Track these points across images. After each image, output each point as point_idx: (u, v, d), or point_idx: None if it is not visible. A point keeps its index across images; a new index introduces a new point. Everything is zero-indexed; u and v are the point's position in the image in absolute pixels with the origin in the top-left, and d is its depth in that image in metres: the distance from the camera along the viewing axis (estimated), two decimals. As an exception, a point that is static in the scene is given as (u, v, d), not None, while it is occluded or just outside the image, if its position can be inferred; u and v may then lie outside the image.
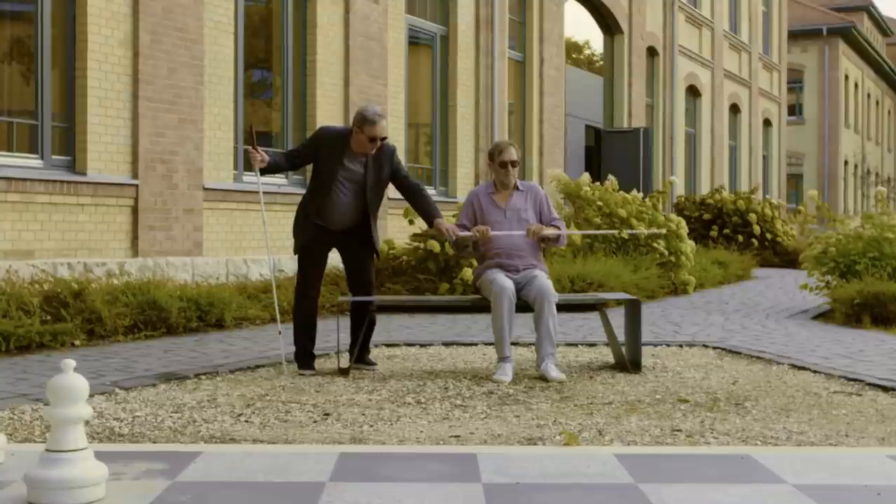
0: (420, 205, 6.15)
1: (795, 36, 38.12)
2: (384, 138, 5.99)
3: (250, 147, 6.11)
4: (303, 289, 6.18)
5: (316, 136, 6.25)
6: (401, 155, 12.78)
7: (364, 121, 5.91)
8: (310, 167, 6.33)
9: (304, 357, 6.06)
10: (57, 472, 2.90)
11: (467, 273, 9.19)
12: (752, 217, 18.83)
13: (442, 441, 4.12)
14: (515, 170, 6.24)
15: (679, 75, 22.68)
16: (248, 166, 10.53)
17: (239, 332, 7.84)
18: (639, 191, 13.68)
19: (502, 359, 5.83)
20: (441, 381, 5.69)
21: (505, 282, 5.88)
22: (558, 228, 6.22)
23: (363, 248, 6.13)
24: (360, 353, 6.18)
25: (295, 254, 6.22)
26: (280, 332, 6.16)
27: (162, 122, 9.03)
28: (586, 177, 13.02)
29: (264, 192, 10.28)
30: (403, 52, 12.97)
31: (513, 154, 6.22)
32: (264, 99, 11.38)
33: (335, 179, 5.97)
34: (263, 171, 6.20)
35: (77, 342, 6.88)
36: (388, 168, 6.07)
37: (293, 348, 6.13)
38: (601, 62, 20.50)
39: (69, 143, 8.44)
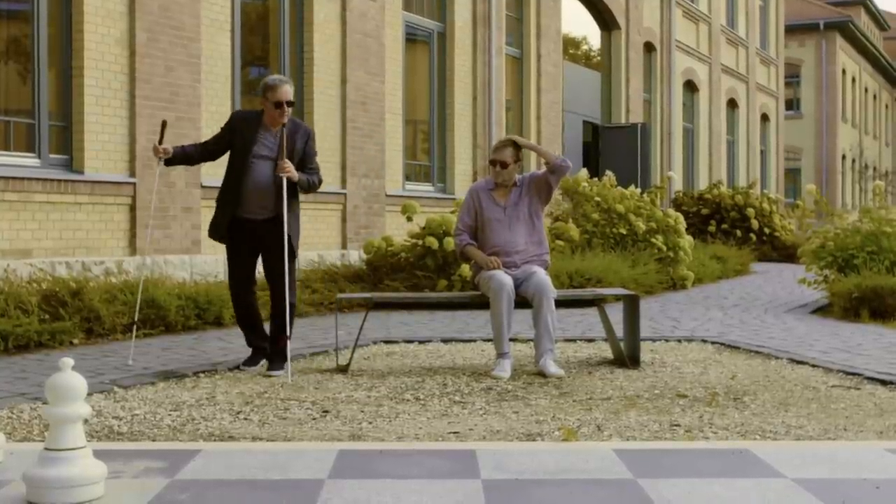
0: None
1: (792, 30, 38.11)
2: (290, 103, 5.87)
3: (156, 142, 6.03)
4: (230, 287, 6.10)
5: (230, 120, 6.13)
6: (398, 152, 12.80)
7: (266, 88, 5.87)
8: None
9: (252, 352, 6.04)
10: (56, 470, 2.89)
11: (465, 269, 9.18)
12: (750, 212, 18.85)
13: (441, 437, 4.12)
14: (505, 171, 6.16)
15: (676, 70, 22.67)
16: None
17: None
18: (637, 186, 13.69)
19: (501, 355, 5.84)
20: (440, 378, 5.69)
21: (504, 278, 5.88)
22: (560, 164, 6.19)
23: (275, 242, 5.85)
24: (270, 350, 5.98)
25: (209, 237, 6.10)
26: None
27: (159, 121, 9.00)
28: (584, 172, 13.03)
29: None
30: (401, 50, 12.96)
31: (504, 156, 6.15)
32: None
33: (249, 158, 5.86)
34: (169, 162, 6.10)
35: (75, 341, 6.88)
36: (300, 148, 5.91)
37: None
38: (598, 58, 20.50)
39: (67, 142, 8.43)
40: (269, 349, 5.97)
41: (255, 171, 5.84)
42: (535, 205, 6.22)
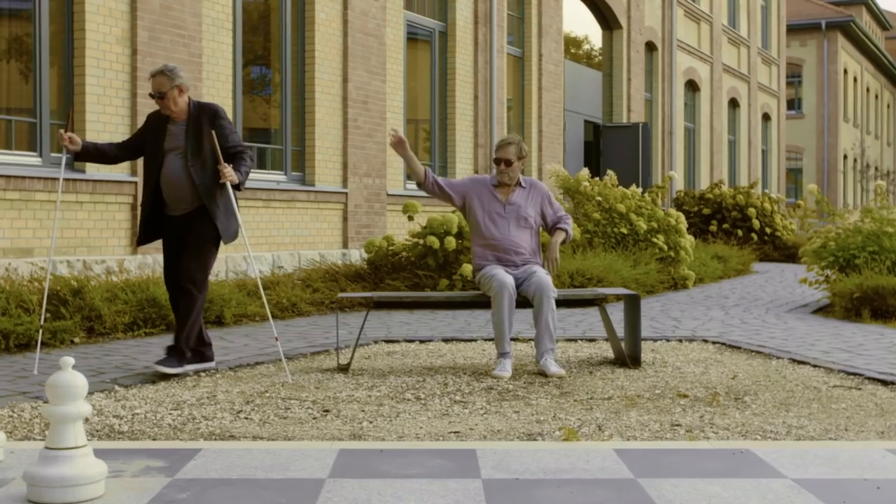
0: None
1: (794, 30, 38.12)
2: (161, 94, 5.56)
3: (62, 130, 5.67)
4: (167, 287, 5.84)
5: (147, 118, 5.87)
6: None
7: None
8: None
9: (190, 353, 5.73)
10: (56, 469, 2.89)
11: (467, 269, 9.19)
12: (752, 211, 18.84)
13: (441, 437, 4.12)
14: (510, 169, 6.14)
15: (678, 70, 22.67)
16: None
17: (238, 329, 7.84)
18: (638, 186, 13.69)
19: (502, 354, 5.83)
20: (440, 377, 5.69)
21: (505, 277, 5.87)
22: (565, 230, 6.21)
23: (199, 234, 5.60)
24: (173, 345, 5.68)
25: (137, 244, 5.88)
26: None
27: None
28: (585, 172, 13.02)
29: (268, 189, 10.33)
30: (402, 48, 12.96)
31: (508, 153, 6.13)
32: (263, 95, 11.39)
33: (161, 152, 5.62)
34: (79, 157, 5.79)
35: (76, 340, 6.89)
36: (208, 131, 5.58)
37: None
38: (600, 57, 20.50)
39: (68, 141, 8.42)
40: (172, 343, 5.70)
41: (167, 166, 5.62)
42: (537, 219, 6.22)
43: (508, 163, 6.13)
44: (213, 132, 5.58)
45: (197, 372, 5.73)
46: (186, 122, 5.65)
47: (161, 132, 5.70)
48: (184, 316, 5.64)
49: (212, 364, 5.85)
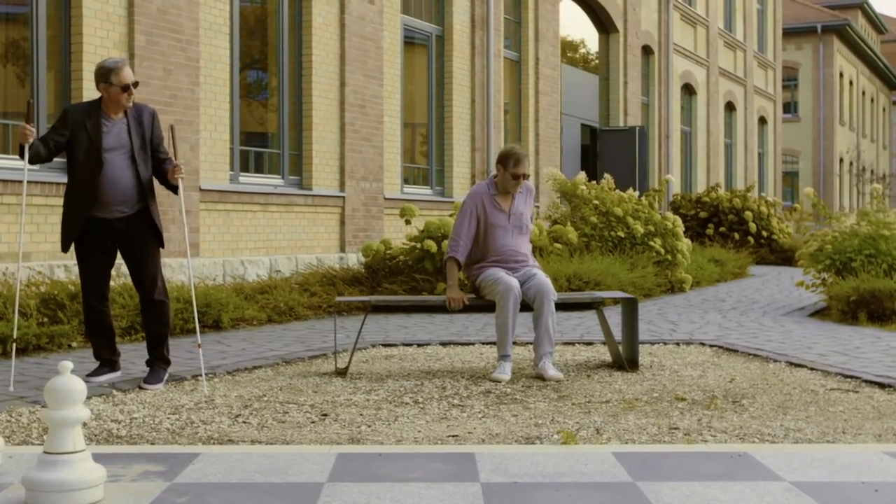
0: (161, 172, 5.52)
1: (790, 33, 38.18)
2: (136, 84, 5.38)
3: (24, 122, 5.32)
4: (84, 296, 5.55)
5: (64, 115, 5.46)
6: (397, 155, 12.81)
7: (109, 72, 5.29)
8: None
9: (99, 364, 5.56)
10: (55, 474, 2.89)
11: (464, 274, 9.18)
12: (748, 215, 18.87)
13: (440, 441, 4.13)
14: (525, 181, 6.20)
15: (674, 73, 22.70)
16: (243, 166, 10.55)
17: (236, 333, 7.84)
18: (635, 189, 13.70)
19: (503, 357, 5.83)
20: (439, 381, 5.69)
21: (511, 280, 5.87)
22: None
23: (145, 239, 5.44)
24: (149, 358, 5.53)
25: (63, 251, 5.55)
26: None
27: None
28: (582, 175, 13.04)
29: (265, 193, 10.34)
30: (399, 52, 12.97)
31: (526, 167, 6.13)
32: (260, 100, 11.39)
33: (100, 150, 5.30)
34: (29, 154, 5.38)
35: (74, 344, 6.88)
36: (149, 132, 5.43)
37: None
38: (597, 61, 20.52)
39: (65, 145, 8.42)
40: (149, 357, 5.54)
41: (110, 166, 5.32)
42: (529, 220, 6.24)
43: (526, 176, 6.15)
44: (172, 126, 5.48)
45: (111, 383, 5.46)
46: (127, 120, 5.39)
47: (95, 127, 5.34)
48: (161, 326, 5.52)
49: (118, 374, 5.61)
